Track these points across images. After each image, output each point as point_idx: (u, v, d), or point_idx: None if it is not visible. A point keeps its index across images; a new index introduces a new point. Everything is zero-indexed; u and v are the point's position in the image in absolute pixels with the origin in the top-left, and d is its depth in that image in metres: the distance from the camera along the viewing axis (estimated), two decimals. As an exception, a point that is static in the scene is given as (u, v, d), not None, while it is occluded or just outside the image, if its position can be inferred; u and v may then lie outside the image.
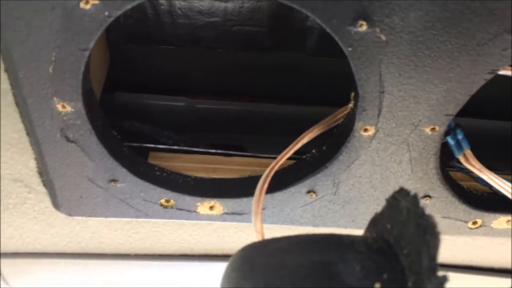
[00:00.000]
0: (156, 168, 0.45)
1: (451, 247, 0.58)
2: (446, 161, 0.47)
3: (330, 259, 0.26)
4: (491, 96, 0.56)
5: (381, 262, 0.25)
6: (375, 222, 0.31)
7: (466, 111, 0.56)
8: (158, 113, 0.54)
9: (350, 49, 0.33)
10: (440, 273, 0.22)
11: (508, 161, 0.58)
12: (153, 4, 0.50)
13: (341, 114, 0.42)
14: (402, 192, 0.28)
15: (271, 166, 0.39)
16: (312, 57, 0.55)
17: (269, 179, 0.39)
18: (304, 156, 0.45)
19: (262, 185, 0.38)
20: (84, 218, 0.49)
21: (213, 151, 0.49)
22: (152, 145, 0.48)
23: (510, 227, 0.48)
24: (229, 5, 0.51)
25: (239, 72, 0.55)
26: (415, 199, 0.27)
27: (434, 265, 0.23)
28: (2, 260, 0.54)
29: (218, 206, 0.45)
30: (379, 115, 0.38)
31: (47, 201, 0.46)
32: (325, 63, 0.55)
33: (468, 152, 0.44)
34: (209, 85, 0.55)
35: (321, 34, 0.53)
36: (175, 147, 0.49)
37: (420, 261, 0.24)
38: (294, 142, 0.40)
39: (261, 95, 0.56)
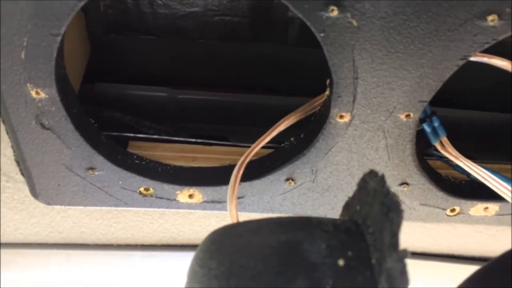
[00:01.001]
0: (135, 157, 0.45)
1: (434, 236, 0.59)
2: (424, 149, 0.47)
3: (297, 238, 0.26)
4: (475, 86, 0.57)
5: (346, 241, 0.26)
6: (347, 206, 0.31)
7: (450, 102, 0.57)
8: (139, 104, 0.54)
9: (322, 34, 0.33)
10: (401, 248, 0.23)
11: (491, 151, 0.58)
12: (133, -6, 0.51)
13: (318, 101, 0.42)
14: (371, 174, 0.29)
15: (246, 153, 0.39)
16: (294, 48, 0.55)
17: (244, 165, 0.39)
18: (282, 144, 0.45)
19: (237, 171, 0.38)
20: (64, 207, 0.49)
21: (193, 140, 0.50)
22: (131, 134, 0.48)
23: (487, 214, 0.48)
24: (209, -5, 0.51)
25: (221, 63, 0.55)
26: (382, 179, 0.27)
27: (396, 241, 0.23)
28: (-16, 251, 0.54)
29: (198, 194, 0.46)
30: (354, 101, 0.38)
31: (26, 190, 0.46)
32: (307, 54, 0.55)
33: (445, 139, 0.44)
34: (191, 76, 0.55)
35: (302, 24, 0.53)
36: (155, 136, 0.49)
37: (383, 238, 0.24)
38: (270, 130, 0.41)
39: (243, 86, 0.56)
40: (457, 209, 0.48)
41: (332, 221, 0.28)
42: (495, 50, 0.40)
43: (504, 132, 0.59)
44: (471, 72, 0.52)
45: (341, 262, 0.24)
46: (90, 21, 0.51)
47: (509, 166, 0.52)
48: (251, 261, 0.25)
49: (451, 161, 0.46)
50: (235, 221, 0.38)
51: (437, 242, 0.59)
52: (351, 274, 0.24)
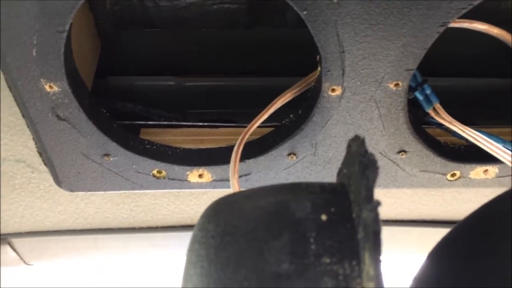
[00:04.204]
0: (146, 142, 0.48)
1: (441, 203, 0.60)
2: (422, 118, 0.49)
3: (285, 200, 0.28)
4: (471, 53, 0.58)
5: (330, 199, 0.28)
6: (339, 171, 0.34)
7: (450, 70, 0.58)
8: (149, 94, 0.57)
9: (305, 12, 0.36)
10: (375, 200, 0.25)
11: (492, 117, 0.59)
12: (136, -10, 0.53)
13: (311, 78, 0.44)
14: (354, 138, 0.31)
15: (245, 130, 0.42)
16: (293, 29, 0.57)
17: (244, 141, 0.42)
18: (283, 121, 0.48)
19: (237, 147, 0.41)
20: (87, 194, 0.53)
21: (201, 124, 0.52)
22: (142, 122, 0.52)
23: (487, 176, 0.50)
24: (207, -15, 0.54)
25: (223, 49, 0.58)
26: (361, 142, 0.29)
27: (370, 194, 0.25)
28: (18, 240, 0.58)
29: (207, 173, 0.49)
30: (343, 74, 0.40)
31: (50, 179, 0.49)
32: (306, 34, 0.57)
33: (438, 106, 0.46)
34: (195, 63, 0.58)
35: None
36: (165, 123, 0.52)
37: (359, 193, 0.26)
38: (268, 107, 0.43)
39: (246, 70, 0.59)
40: (457, 173, 0.49)
41: (320, 184, 0.31)
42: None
43: (503, 96, 0.59)
44: (465, 39, 0.54)
45: (323, 217, 0.27)
46: (98, 19, 0.55)
47: (509, 129, 0.53)
48: (243, 221, 0.28)
49: (448, 127, 0.47)
50: (237, 192, 0.41)
51: (445, 209, 0.61)
52: (333, 226, 0.26)
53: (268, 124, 0.49)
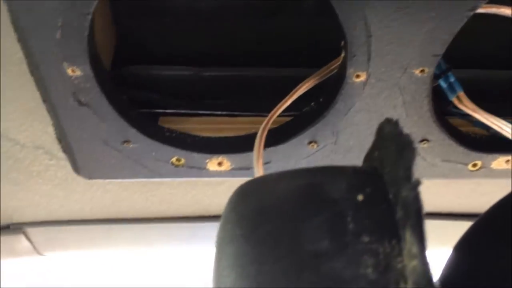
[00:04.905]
0: (166, 129, 0.48)
1: (458, 195, 0.60)
2: (444, 107, 0.48)
3: (318, 181, 0.28)
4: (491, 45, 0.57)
5: (365, 180, 0.28)
6: (366, 157, 0.33)
7: (468, 62, 0.57)
8: (166, 83, 0.57)
9: (333, -5, 0.35)
10: (414, 179, 0.24)
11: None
12: (153, -21, 0.53)
13: (334, 65, 0.44)
14: (386, 121, 0.30)
15: (269, 116, 0.41)
16: (312, 19, 0.56)
17: (268, 127, 0.41)
18: (304, 109, 0.47)
19: (261, 132, 0.41)
20: (103, 182, 0.53)
21: (219, 112, 0.52)
22: (161, 111, 0.51)
23: (509, 167, 0.49)
24: (224, -26, 0.53)
25: (241, 39, 0.57)
26: (395, 123, 0.29)
27: (409, 174, 0.25)
28: (33, 229, 0.58)
29: (226, 162, 0.48)
30: (369, 60, 0.40)
31: (68, 167, 0.49)
32: (324, 24, 0.56)
33: (462, 94, 0.45)
34: (213, 53, 0.58)
35: (317, -5, 0.54)
36: (183, 111, 0.52)
37: (397, 173, 0.26)
38: (290, 94, 0.43)
39: (264, 59, 0.58)
40: (479, 163, 0.49)
41: (352, 166, 0.30)
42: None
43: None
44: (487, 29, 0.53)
45: (360, 197, 0.26)
46: (114, 8, 0.54)
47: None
48: (276, 202, 0.27)
49: (470, 116, 0.47)
50: (261, 178, 0.40)
51: (463, 202, 0.60)
52: (370, 206, 0.26)
53: (286, 114, 0.48)
